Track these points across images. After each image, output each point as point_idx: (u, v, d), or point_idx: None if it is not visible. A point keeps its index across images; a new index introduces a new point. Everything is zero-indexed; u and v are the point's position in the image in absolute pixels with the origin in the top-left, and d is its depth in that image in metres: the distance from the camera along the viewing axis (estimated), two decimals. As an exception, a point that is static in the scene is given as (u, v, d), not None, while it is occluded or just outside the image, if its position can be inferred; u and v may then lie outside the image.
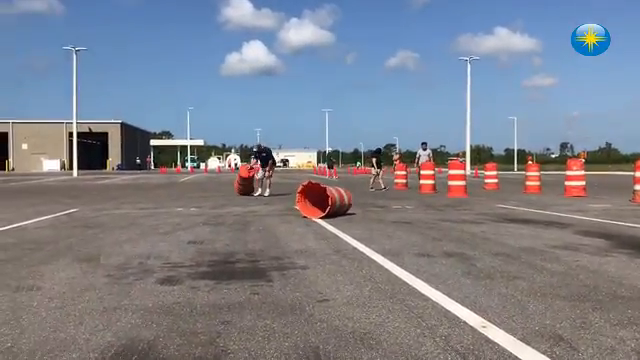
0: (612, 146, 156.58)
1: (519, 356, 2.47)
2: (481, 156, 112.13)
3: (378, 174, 18.26)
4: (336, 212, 8.77)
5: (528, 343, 2.63)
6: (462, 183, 15.13)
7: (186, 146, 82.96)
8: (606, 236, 6.51)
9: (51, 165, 64.16)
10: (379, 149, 20.56)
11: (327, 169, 42.08)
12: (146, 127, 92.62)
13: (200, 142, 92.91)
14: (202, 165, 78.12)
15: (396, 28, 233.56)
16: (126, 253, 5.37)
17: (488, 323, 2.94)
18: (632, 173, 13.33)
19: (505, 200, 13.08)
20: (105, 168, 66.80)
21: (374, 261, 4.82)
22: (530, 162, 32.62)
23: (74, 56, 40.40)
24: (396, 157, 21.05)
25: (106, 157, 70.11)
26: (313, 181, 9.43)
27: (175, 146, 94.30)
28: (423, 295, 3.57)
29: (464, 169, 17.82)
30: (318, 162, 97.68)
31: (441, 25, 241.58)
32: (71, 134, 46.60)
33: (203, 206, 11.50)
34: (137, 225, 7.92)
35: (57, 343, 2.67)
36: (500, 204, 11.81)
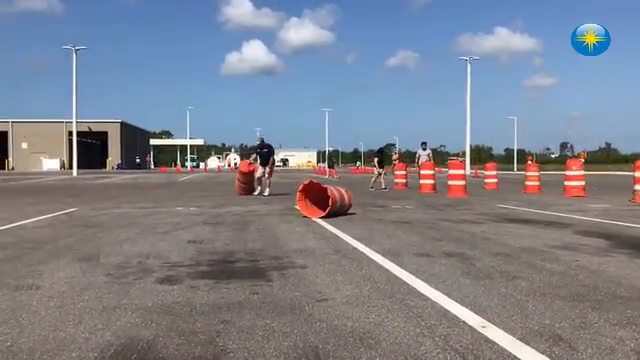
0: (612, 146, 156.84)
1: (518, 356, 2.47)
2: (481, 156, 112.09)
3: (380, 174, 18.25)
4: (336, 212, 8.77)
5: (527, 343, 2.63)
6: (462, 183, 15.13)
7: (186, 145, 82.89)
8: (606, 236, 6.51)
9: (51, 164, 64.13)
10: (381, 149, 20.41)
11: (328, 169, 42.10)
12: (146, 126, 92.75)
13: (200, 141, 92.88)
14: (202, 165, 78.08)
15: (396, 28, 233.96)
16: (125, 252, 5.36)
17: (487, 323, 2.94)
18: (632, 173, 13.33)
19: (505, 200, 13.08)
20: (105, 167, 66.77)
21: (374, 261, 4.82)
22: (530, 162, 32.63)
23: (74, 55, 40.40)
24: (395, 157, 21.04)
25: (106, 156, 70.08)
26: (314, 180, 9.43)
27: (175, 145, 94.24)
28: (422, 295, 3.57)
29: (464, 169, 17.82)
30: (318, 162, 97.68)
31: (441, 25, 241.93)
32: (71, 133, 46.61)
33: (203, 205, 11.50)
34: (136, 224, 7.92)
35: (56, 342, 2.67)
36: (500, 204, 11.81)
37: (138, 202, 12.79)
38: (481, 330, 2.82)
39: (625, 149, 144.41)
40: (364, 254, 5.18)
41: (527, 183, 16.87)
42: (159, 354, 2.51)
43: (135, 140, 78.24)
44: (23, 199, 14.14)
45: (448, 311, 3.18)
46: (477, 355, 2.47)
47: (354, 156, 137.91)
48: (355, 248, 5.57)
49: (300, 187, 9.26)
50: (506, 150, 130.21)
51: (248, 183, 14.86)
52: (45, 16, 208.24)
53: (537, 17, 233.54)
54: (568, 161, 15.61)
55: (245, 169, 14.98)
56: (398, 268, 4.45)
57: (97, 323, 2.98)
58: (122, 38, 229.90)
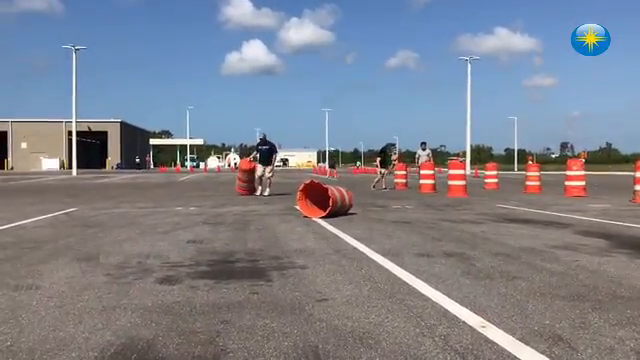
0: (612, 146, 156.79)
1: (518, 356, 2.47)
2: (481, 156, 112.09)
3: (382, 174, 18.23)
4: (337, 212, 8.77)
5: (527, 343, 2.63)
6: (462, 183, 15.13)
7: (186, 145, 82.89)
8: (606, 236, 6.51)
9: (50, 164, 64.15)
10: (383, 149, 20.19)
11: (329, 169, 42.15)
12: (145, 126, 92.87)
13: (200, 141, 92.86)
14: (202, 164, 78.07)
15: (396, 28, 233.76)
16: (125, 252, 5.36)
17: (487, 323, 2.94)
18: (632, 173, 13.34)
19: (505, 200, 13.08)
20: (104, 167, 66.79)
21: (374, 261, 4.82)
22: (530, 162, 32.61)
23: (73, 55, 40.44)
24: (394, 157, 21.01)
25: (105, 156, 70.11)
26: (315, 180, 9.43)
27: (175, 145, 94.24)
28: (422, 295, 3.57)
29: (464, 169, 17.82)
30: (318, 162, 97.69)
31: (441, 25, 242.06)
32: (70, 133, 46.64)
33: (202, 205, 11.49)
34: (136, 224, 7.92)
35: (56, 342, 2.67)
36: (500, 204, 11.81)
37: (138, 202, 12.79)
38: (481, 330, 2.82)
39: (625, 149, 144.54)
40: (364, 254, 5.18)
41: (527, 183, 16.87)
42: (159, 354, 2.51)
43: (135, 140, 78.26)
44: (23, 199, 14.14)
45: (448, 311, 3.17)
46: (477, 355, 2.47)
47: (354, 156, 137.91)
48: (355, 248, 5.57)
49: (301, 187, 9.26)
50: (506, 150, 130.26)
51: (249, 182, 14.73)
52: (45, 16, 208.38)
53: (537, 17, 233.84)
54: (568, 161, 15.61)
55: (245, 166, 14.90)
56: (398, 268, 4.45)
57: (97, 323, 2.97)
58: (122, 38, 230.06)
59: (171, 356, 2.48)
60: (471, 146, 48.54)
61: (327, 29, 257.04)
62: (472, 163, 44.25)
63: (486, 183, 19.15)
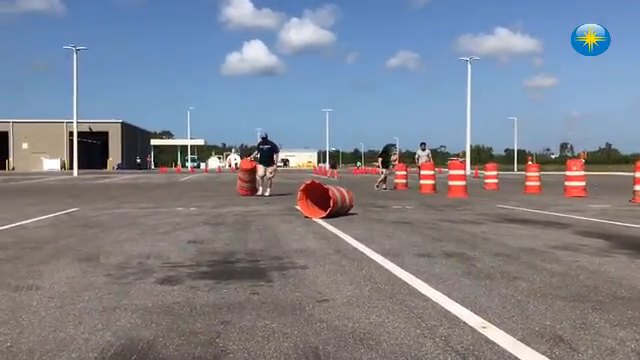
0: (612, 147, 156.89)
1: (519, 356, 2.46)
2: (481, 156, 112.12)
3: (385, 174, 18.23)
4: (337, 212, 8.77)
5: (528, 344, 2.63)
6: (462, 183, 15.13)
7: (186, 146, 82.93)
8: (606, 236, 6.51)
9: (51, 164, 64.18)
10: (385, 149, 20.10)
11: (330, 169, 42.17)
12: (146, 127, 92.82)
13: (200, 142, 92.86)
14: (202, 165, 78.09)
15: (396, 28, 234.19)
16: (126, 253, 5.36)
17: (488, 323, 2.94)
18: (632, 174, 13.33)
19: (505, 200, 13.08)
20: (105, 168, 66.80)
21: (374, 261, 4.82)
22: (530, 162, 32.60)
23: (74, 55, 40.44)
24: (394, 157, 20.99)
25: (106, 156, 70.12)
26: (316, 181, 9.43)
27: (175, 146, 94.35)
28: (423, 295, 3.57)
29: (464, 169, 17.82)
30: (318, 162, 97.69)
31: (441, 25, 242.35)
32: (71, 133, 46.63)
33: (203, 206, 11.49)
34: (137, 225, 7.92)
35: (56, 343, 2.67)
36: (500, 204, 11.81)
37: (139, 202, 12.79)
38: (482, 331, 2.81)
39: (625, 150, 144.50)
40: (364, 254, 5.18)
41: (527, 183, 16.86)
42: (159, 354, 2.51)
43: (136, 140, 78.26)
44: (24, 199, 14.14)
45: (449, 312, 3.17)
46: (478, 356, 2.47)
47: (354, 156, 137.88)
48: (355, 248, 5.56)
49: (301, 187, 9.26)
50: (506, 150, 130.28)
51: (250, 182, 14.68)
52: (46, 16, 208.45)
53: (537, 18, 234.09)
54: (568, 161, 15.60)
55: (246, 166, 14.86)
56: (398, 268, 4.44)
57: (97, 323, 2.97)
58: (123, 38, 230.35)
59: (171, 357, 2.48)
60: (471, 146, 48.55)
61: (327, 29, 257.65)
62: (472, 163, 44.25)
63: (486, 183, 19.15)
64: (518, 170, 59.95)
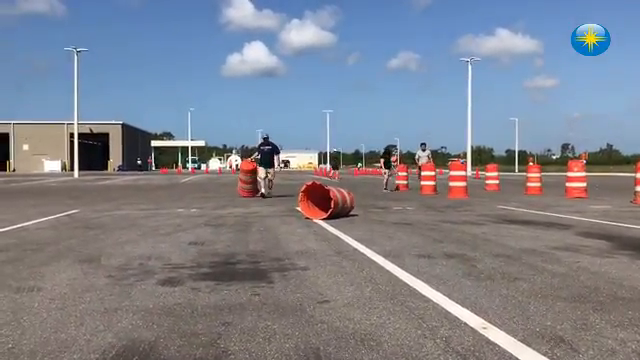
0: (613, 147, 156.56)
1: (520, 357, 2.47)
2: (482, 157, 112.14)
3: (388, 175, 18.22)
4: (338, 213, 8.77)
5: (529, 344, 2.63)
6: (463, 184, 15.13)
7: (187, 147, 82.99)
8: (607, 237, 6.51)
9: (52, 166, 64.26)
10: (387, 150, 20.04)
11: (332, 170, 42.23)
12: (147, 128, 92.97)
13: (201, 143, 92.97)
14: (203, 166, 78.14)
15: (397, 29, 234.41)
16: (127, 254, 5.37)
17: (489, 324, 2.94)
18: (633, 174, 13.32)
19: (506, 201, 13.07)
20: (106, 169, 66.87)
21: (375, 262, 4.82)
22: (531, 163, 32.60)
23: (75, 57, 40.46)
24: (394, 158, 20.97)
25: (107, 158, 70.20)
26: (317, 182, 9.43)
27: (176, 147, 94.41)
28: (424, 296, 3.57)
29: (465, 170, 17.81)
30: (319, 163, 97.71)
31: (442, 27, 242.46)
32: (72, 135, 46.66)
33: (204, 207, 11.50)
34: (138, 226, 7.93)
35: (58, 344, 2.68)
36: (501, 205, 11.81)
37: (139, 204, 12.80)
38: (482, 332, 2.82)
39: (627, 150, 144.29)
40: (365, 255, 5.18)
41: (528, 184, 16.85)
42: (160, 356, 2.51)
43: (136, 142, 78.34)
44: (25, 201, 14.16)
45: (449, 312, 3.17)
46: (478, 357, 2.47)
47: (355, 157, 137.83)
48: (356, 249, 5.57)
49: (302, 188, 9.26)
50: (507, 151, 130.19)
51: (251, 184, 14.69)
52: (47, 18, 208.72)
53: (538, 18, 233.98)
54: (569, 162, 15.60)
55: (247, 167, 14.85)
56: (399, 269, 4.45)
57: (98, 325, 2.98)
58: (123, 39, 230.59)
59: (172, 358, 2.49)
60: (472, 147, 48.53)
61: (328, 30, 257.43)
62: (473, 164, 44.27)
63: (487, 184, 19.14)
64: (519, 171, 59.92)
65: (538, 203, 12.46)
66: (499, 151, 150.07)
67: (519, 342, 2.66)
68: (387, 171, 18.35)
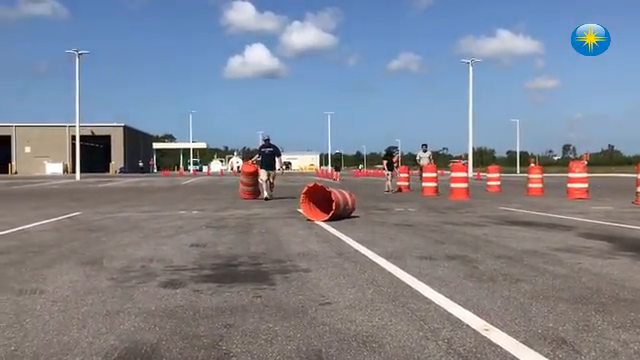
0: (615, 148, 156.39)
1: (521, 359, 2.47)
2: (483, 158, 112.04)
3: (390, 177, 18.23)
4: (339, 215, 8.77)
5: (531, 346, 2.63)
6: (464, 185, 15.13)
7: (188, 149, 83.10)
8: (609, 238, 6.50)
9: (54, 168, 64.34)
10: (389, 152, 20.00)
11: (334, 171, 42.26)
12: (148, 130, 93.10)
13: (202, 145, 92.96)
14: (204, 168, 78.19)
15: (398, 30, 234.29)
16: (129, 256, 5.38)
17: (491, 326, 2.94)
18: (635, 175, 13.31)
19: (507, 202, 13.07)
20: (108, 171, 66.94)
21: (376, 264, 4.82)
22: (532, 164, 32.56)
23: (77, 59, 40.53)
24: (394, 159, 20.94)
25: (109, 160, 70.30)
26: (318, 184, 9.43)
27: (177, 149, 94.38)
28: (425, 298, 3.57)
29: (466, 171, 17.80)
30: (320, 165, 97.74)
31: (443, 28, 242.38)
32: (74, 137, 46.73)
33: (206, 209, 11.51)
34: (140, 228, 7.94)
35: (60, 346, 2.68)
36: (502, 206, 11.80)
37: (141, 206, 12.81)
38: (484, 333, 2.82)
39: (628, 151, 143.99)
40: (367, 257, 5.18)
41: (530, 185, 16.85)
42: (163, 358, 2.52)
43: (138, 144, 78.44)
44: (27, 203, 14.18)
45: (451, 314, 3.17)
46: (480, 358, 2.47)
47: (357, 159, 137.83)
48: (358, 251, 5.57)
49: (304, 190, 9.27)
50: (509, 152, 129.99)
51: (252, 186, 14.67)
52: (49, 21, 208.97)
53: (539, 19, 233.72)
54: (571, 163, 15.60)
55: (248, 169, 14.84)
56: (401, 271, 4.45)
57: (101, 327, 2.98)
58: (125, 41, 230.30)
59: (175, 360, 2.49)
60: (473, 149, 48.56)
61: (329, 32, 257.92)
62: (474, 166, 44.29)
63: (488, 186, 19.12)
64: (520, 172, 59.86)
65: (540, 204, 12.45)
66: (500, 152, 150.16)
67: (521, 344, 2.66)
68: (389, 173, 18.36)
